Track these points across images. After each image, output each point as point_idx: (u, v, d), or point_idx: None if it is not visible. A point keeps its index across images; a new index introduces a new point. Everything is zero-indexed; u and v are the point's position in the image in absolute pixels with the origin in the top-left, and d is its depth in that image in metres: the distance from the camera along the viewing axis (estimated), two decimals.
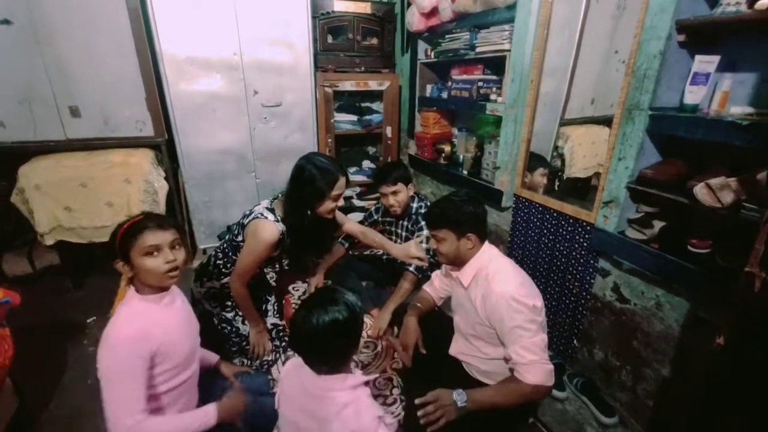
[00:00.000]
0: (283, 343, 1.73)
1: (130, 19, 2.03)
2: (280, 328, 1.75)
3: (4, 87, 1.93)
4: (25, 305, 2.06)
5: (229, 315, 1.64)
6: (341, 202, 1.53)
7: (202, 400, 1.15)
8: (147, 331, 0.98)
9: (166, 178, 2.29)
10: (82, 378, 1.68)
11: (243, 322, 1.63)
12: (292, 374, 1.00)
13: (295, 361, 1.02)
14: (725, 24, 1.09)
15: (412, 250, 1.59)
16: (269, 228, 1.44)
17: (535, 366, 1.08)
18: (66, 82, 2.03)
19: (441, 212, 1.25)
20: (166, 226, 1.04)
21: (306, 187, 1.45)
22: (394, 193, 1.91)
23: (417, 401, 1.12)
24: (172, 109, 2.23)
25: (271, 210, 1.50)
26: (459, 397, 1.10)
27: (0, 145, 2.01)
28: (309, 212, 1.50)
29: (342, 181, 1.49)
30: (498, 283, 1.15)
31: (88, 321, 2.04)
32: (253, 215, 1.50)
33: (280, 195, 1.57)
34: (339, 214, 1.75)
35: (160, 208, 2.24)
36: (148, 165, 2.20)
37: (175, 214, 2.45)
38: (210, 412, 1.05)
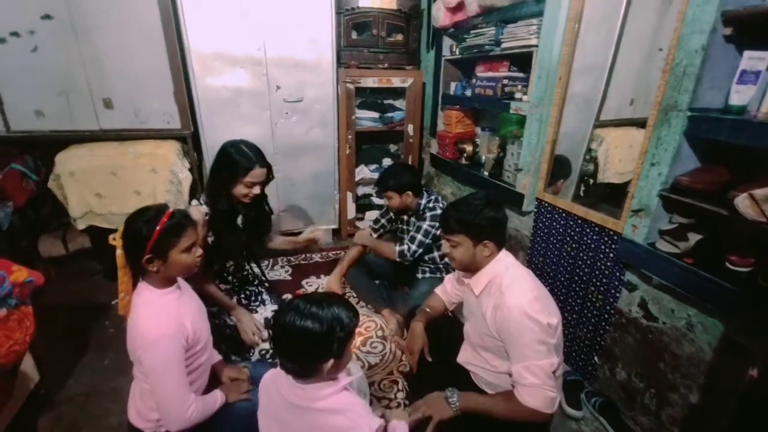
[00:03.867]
0: None
1: (161, 16, 2.09)
2: None
3: (44, 79, 2.04)
4: (56, 285, 2.21)
5: (214, 309, 1.63)
6: (257, 191, 1.54)
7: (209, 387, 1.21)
8: (180, 320, 1.04)
9: (190, 170, 2.35)
10: (101, 358, 1.76)
11: (229, 315, 1.63)
12: (270, 387, 0.96)
13: (274, 372, 0.99)
14: None
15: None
16: (193, 212, 1.45)
17: (536, 390, 1.01)
18: (100, 75, 2.12)
19: (458, 216, 1.16)
20: (195, 223, 1.12)
21: (222, 167, 1.50)
22: (388, 198, 1.96)
23: (409, 412, 1.11)
24: (198, 103, 2.28)
25: (199, 198, 1.56)
26: (451, 395, 1.10)
27: (39, 133, 2.13)
28: (228, 193, 1.52)
29: (258, 170, 1.50)
30: (511, 296, 1.08)
31: (113, 303, 2.13)
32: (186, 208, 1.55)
33: None
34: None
35: (184, 199, 2.30)
36: (174, 156, 2.26)
37: None
38: (219, 395, 1.15)
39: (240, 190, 1.51)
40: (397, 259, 1.93)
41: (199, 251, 1.11)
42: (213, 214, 1.54)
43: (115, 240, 1.04)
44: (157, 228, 1.01)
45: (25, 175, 2.19)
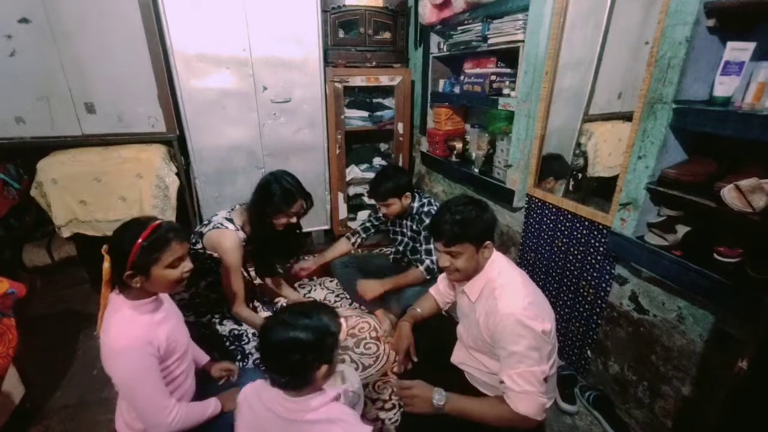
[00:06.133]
0: None
1: (142, 17, 2.04)
2: None
3: (23, 84, 1.99)
4: (42, 294, 2.17)
5: (204, 319, 1.61)
6: (294, 220, 1.65)
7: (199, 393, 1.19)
8: (151, 332, 1.00)
9: (177, 174, 2.31)
10: (89, 368, 1.72)
11: (221, 323, 1.61)
12: (253, 399, 0.94)
13: (255, 384, 0.97)
14: (762, 6, 0.97)
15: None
16: (231, 236, 1.52)
17: (529, 396, 1.00)
18: (82, 79, 2.07)
19: (458, 224, 1.10)
20: (185, 235, 1.07)
21: (267, 201, 1.57)
22: (387, 206, 1.89)
23: (398, 385, 1.16)
24: (183, 105, 2.24)
25: (230, 220, 1.58)
26: (438, 396, 1.08)
27: (20, 140, 2.08)
28: (270, 222, 1.61)
29: (300, 203, 1.62)
30: (504, 302, 1.06)
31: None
32: (212, 225, 1.55)
33: (237, 206, 1.68)
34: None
35: (171, 204, 2.27)
36: (160, 160, 2.22)
37: (186, 210, 2.48)
38: (214, 403, 1.14)
39: (280, 220, 1.61)
40: (428, 277, 1.85)
41: (188, 266, 1.06)
42: (256, 239, 1.62)
43: (105, 251, 1.00)
44: (138, 241, 0.96)
45: (6, 184, 2.14)
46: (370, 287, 1.87)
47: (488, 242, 1.13)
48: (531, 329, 1.01)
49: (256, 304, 1.77)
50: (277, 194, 1.56)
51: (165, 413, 0.99)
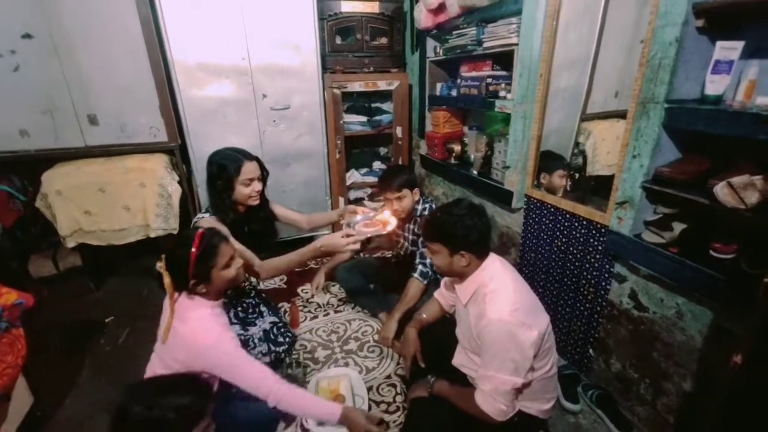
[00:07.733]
0: (288, 339, 1.71)
1: (143, 29, 2.08)
2: (280, 325, 1.73)
3: (27, 98, 2.03)
4: (49, 305, 2.19)
5: None
6: (258, 186, 1.54)
7: None
8: (227, 325, 1.17)
9: (180, 182, 2.34)
10: (98, 376, 1.74)
11: None
12: None
13: None
14: (750, 6, 0.98)
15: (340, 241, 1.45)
16: (206, 221, 1.50)
17: (490, 399, 1.08)
18: (84, 91, 2.11)
19: (436, 225, 1.17)
20: (226, 239, 1.17)
21: (216, 179, 1.50)
22: (399, 198, 1.84)
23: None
24: (184, 115, 2.28)
25: (206, 211, 1.58)
26: (431, 378, 1.26)
27: (24, 153, 2.11)
28: (231, 203, 1.53)
29: (248, 165, 1.50)
30: (492, 308, 1.09)
31: (107, 321, 2.12)
32: (193, 223, 1.58)
33: None
34: (279, 207, 1.81)
35: (174, 212, 2.29)
36: (162, 169, 2.25)
37: (189, 218, 2.50)
38: (336, 409, 1.14)
39: (241, 191, 1.51)
40: (425, 282, 1.80)
41: (239, 262, 1.18)
42: (227, 226, 1.56)
43: (161, 268, 1.08)
44: (192, 251, 1.06)
45: (12, 196, 2.17)
46: (386, 332, 1.73)
47: (464, 252, 1.13)
48: (514, 340, 1.03)
49: (263, 308, 1.78)
50: (221, 166, 1.48)
51: (268, 377, 1.09)
